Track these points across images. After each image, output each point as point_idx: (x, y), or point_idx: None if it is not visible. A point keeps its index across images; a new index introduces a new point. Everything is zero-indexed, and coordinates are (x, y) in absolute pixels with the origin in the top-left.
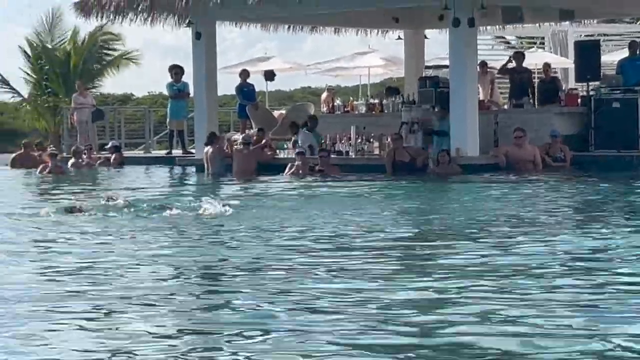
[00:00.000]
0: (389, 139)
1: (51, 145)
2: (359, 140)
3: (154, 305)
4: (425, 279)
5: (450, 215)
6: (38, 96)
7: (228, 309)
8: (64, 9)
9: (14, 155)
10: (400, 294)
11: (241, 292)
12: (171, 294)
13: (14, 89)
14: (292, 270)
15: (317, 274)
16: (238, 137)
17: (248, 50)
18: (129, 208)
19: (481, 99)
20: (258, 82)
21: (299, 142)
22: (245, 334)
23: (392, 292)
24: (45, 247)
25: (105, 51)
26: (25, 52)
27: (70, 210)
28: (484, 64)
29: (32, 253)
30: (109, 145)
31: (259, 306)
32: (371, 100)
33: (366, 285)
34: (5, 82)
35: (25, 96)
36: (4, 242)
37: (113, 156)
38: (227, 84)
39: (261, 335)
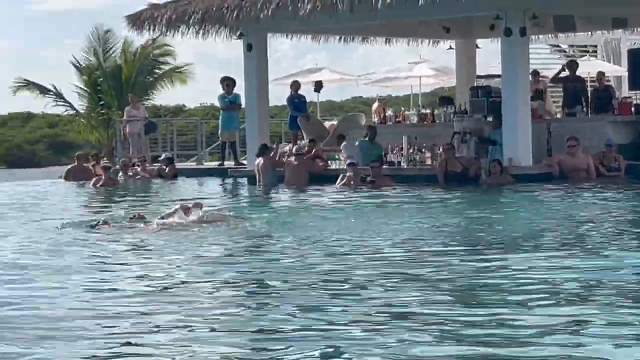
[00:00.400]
0: (441, 149)
1: (104, 158)
2: (411, 151)
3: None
4: (488, 293)
5: (504, 226)
6: (91, 109)
7: (292, 319)
8: (114, 23)
9: (68, 167)
10: (473, 308)
11: (302, 302)
12: (232, 303)
13: (67, 102)
14: (352, 281)
15: (379, 284)
16: (289, 148)
17: (299, 61)
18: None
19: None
20: (309, 93)
21: (344, 154)
22: (308, 344)
23: (457, 303)
24: (99, 260)
25: (157, 64)
26: (77, 65)
27: (98, 223)
28: (535, 73)
29: (87, 267)
30: (162, 157)
31: (323, 317)
32: (423, 110)
33: (429, 297)
34: (60, 96)
35: (79, 109)
36: (56, 254)
37: (167, 168)
38: (278, 95)
39: (327, 347)
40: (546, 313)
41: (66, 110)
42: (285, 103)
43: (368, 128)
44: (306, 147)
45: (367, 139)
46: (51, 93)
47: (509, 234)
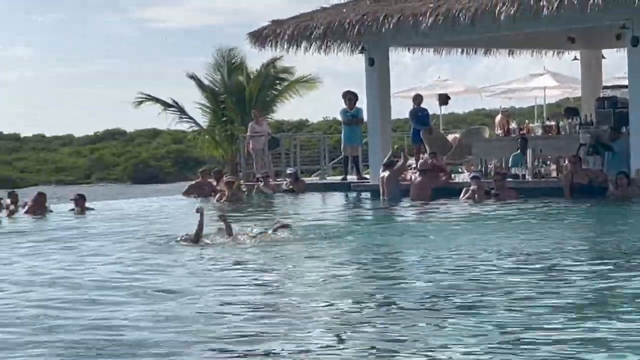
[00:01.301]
0: (566, 161)
1: (227, 174)
2: (536, 163)
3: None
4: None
5: (634, 238)
6: (215, 125)
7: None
8: (235, 39)
9: (191, 183)
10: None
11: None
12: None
13: (191, 118)
14: (490, 294)
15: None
16: (412, 161)
17: (420, 74)
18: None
19: None
20: (431, 106)
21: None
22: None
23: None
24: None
25: (279, 80)
26: (200, 82)
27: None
28: None
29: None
30: (288, 172)
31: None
32: (547, 122)
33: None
34: (183, 111)
35: (202, 125)
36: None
37: (297, 183)
38: (400, 109)
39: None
40: None
41: (191, 126)
42: (408, 116)
43: (520, 140)
44: (430, 161)
45: (518, 151)
46: (174, 108)
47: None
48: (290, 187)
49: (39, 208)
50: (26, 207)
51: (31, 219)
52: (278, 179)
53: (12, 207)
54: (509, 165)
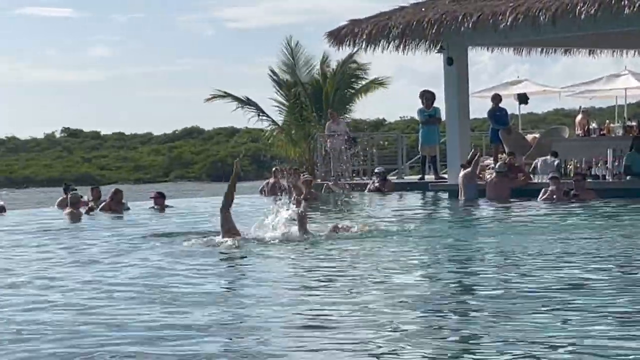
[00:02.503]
0: None
1: (305, 173)
2: (616, 164)
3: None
4: None
5: None
6: (291, 124)
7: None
8: (310, 38)
9: (266, 182)
10: None
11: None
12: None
13: (269, 117)
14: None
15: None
16: (490, 161)
17: (499, 74)
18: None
19: None
20: (510, 106)
21: (538, 169)
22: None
23: None
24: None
25: (355, 78)
26: (277, 81)
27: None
28: None
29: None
30: (376, 171)
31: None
32: (629, 123)
33: None
34: (262, 111)
35: (279, 124)
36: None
37: (385, 183)
38: (478, 108)
39: None
40: None
41: (269, 125)
42: (486, 116)
43: (633, 139)
44: (508, 160)
45: (633, 150)
46: (250, 106)
47: None
48: (377, 186)
49: (116, 205)
50: (102, 204)
51: (109, 216)
52: (356, 179)
53: (91, 203)
54: (624, 163)
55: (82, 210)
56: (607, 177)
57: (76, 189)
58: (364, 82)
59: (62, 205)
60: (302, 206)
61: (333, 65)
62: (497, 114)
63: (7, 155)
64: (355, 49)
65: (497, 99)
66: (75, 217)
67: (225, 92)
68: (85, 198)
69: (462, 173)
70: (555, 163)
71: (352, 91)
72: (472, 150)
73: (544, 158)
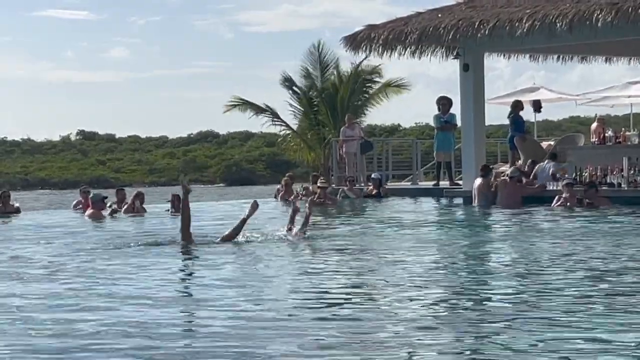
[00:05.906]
0: None
1: (321, 178)
2: (632, 172)
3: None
4: None
5: None
6: (307, 128)
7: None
8: (328, 43)
9: (278, 187)
10: None
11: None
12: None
13: (284, 122)
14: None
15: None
16: (505, 168)
17: (515, 80)
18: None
19: None
20: (526, 113)
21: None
22: None
23: None
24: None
25: (369, 84)
26: (292, 86)
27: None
28: None
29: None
30: (373, 177)
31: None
32: None
33: None
34: (276, 115)
35: (294, 128)
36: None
37: (375, 189)
38: (493, 115)
39: None
40: None
41: (283, 129)
42: (505, 122)
43: None
44: (523, 167)
45: None
46: (267, 113)
47: None
48: (372, 192)
49: (137, 207)
50: (125, 207)
51: (133, 219)
52: (370, 183)
53: (114, 205)
54: None
55: (105, 212)
56: (622, 185)
57: (89, 191)
58: (377, 86)
59: (78, 207)
60: (307, 204)
61: (347, 69)
62: (519, 121)
63: (22, 157)
64: (373, 55)
65: (519, 106)
66: (97, 217)
67: (242, 100)
68: (107, 201)
69: (477, 183)
70: (551, 171)
71: (367, 96)
72: (515, 167)
73: (540, 164)
